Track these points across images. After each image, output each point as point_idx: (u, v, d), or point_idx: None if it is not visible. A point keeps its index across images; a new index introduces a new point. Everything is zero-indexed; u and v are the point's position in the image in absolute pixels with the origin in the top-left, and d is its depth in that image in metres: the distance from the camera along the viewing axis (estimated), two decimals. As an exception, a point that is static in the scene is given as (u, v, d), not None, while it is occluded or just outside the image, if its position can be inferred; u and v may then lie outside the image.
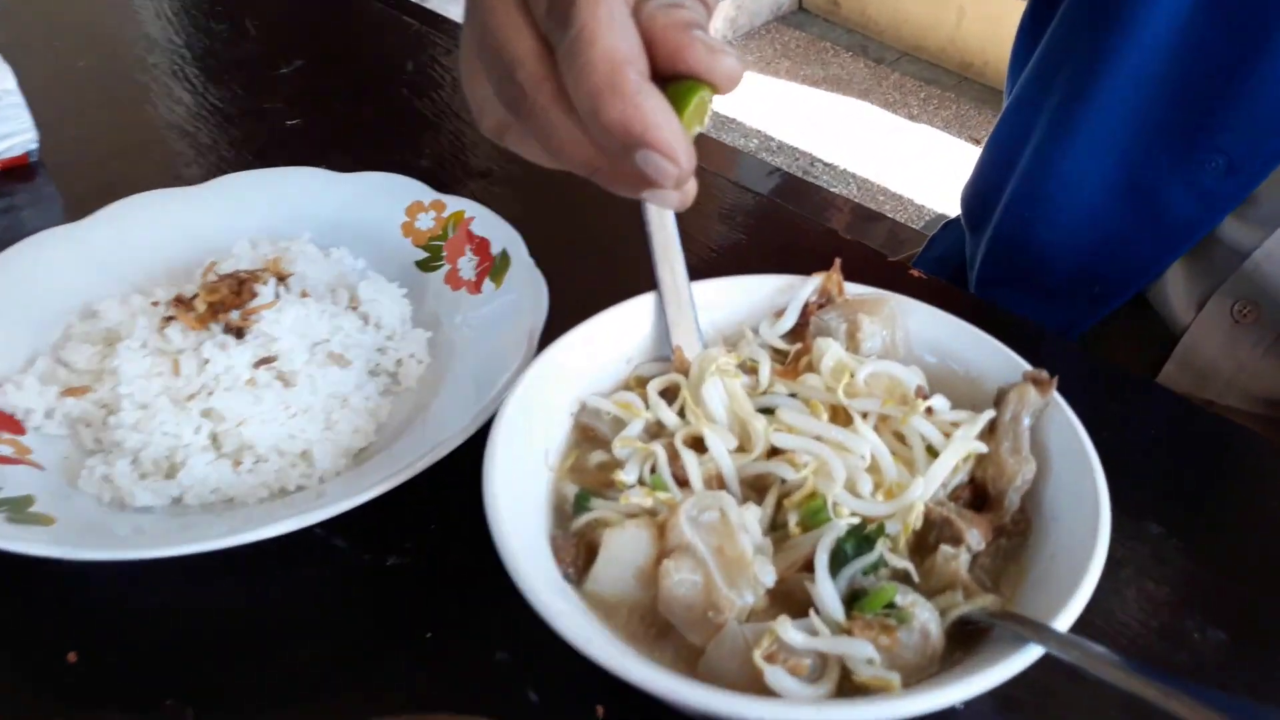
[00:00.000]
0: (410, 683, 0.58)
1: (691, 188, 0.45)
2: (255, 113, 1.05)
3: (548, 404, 0.59)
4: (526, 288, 0.72)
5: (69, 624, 0.60)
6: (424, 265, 0.78)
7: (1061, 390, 0.57)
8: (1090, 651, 0.43)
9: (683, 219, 0.64)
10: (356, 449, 0.67)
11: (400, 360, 0.72)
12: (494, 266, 0.74)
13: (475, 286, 0.74)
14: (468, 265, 0.76)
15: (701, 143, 0.44)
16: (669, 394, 0.61)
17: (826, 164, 3.54)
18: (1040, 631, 0.45)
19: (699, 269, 0.66)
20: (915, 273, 0.86)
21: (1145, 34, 0.85)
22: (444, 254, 0.77)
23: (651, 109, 0.40)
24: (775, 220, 0.96)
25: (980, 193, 1.10)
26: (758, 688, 0.46)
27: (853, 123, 3.78)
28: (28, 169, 0.94)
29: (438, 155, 0.98)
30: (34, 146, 0.94)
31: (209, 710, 0.56)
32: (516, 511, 0.52)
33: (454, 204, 0.79)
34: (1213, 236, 0.90)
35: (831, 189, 3.42)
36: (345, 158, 0.88)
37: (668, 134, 0.40)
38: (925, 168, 3.47)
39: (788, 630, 0.46)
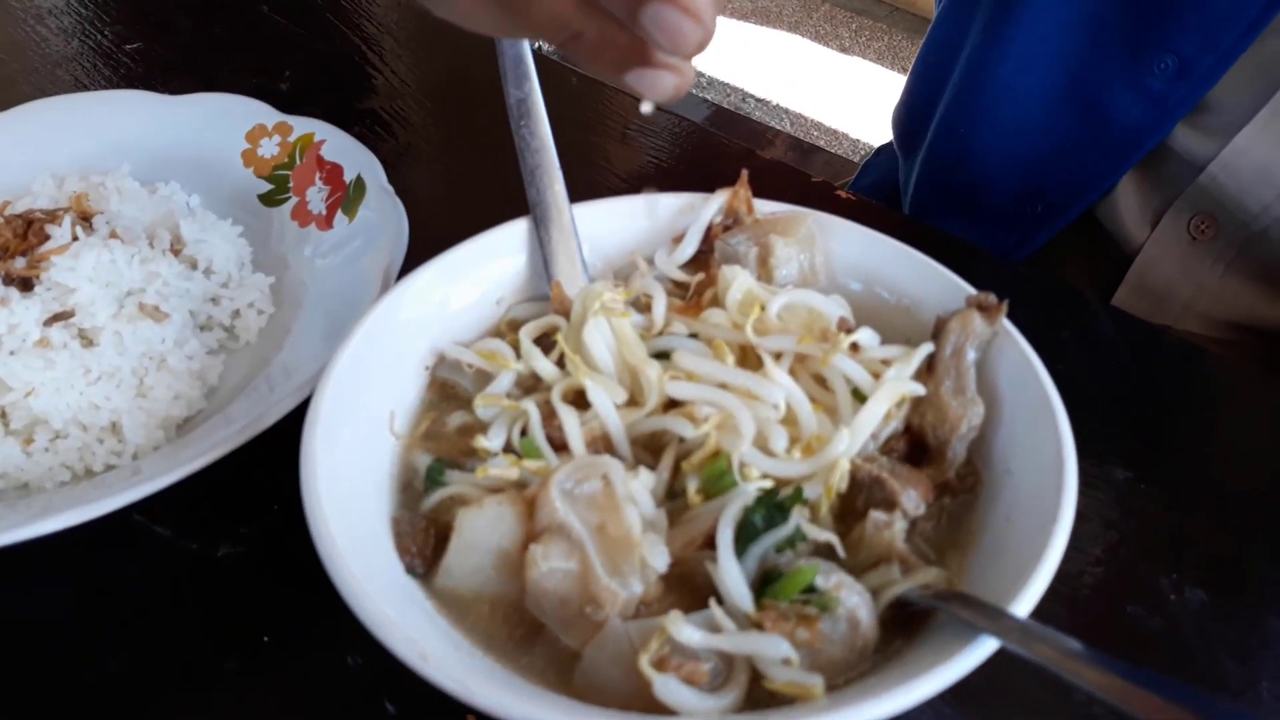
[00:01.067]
0: (245, 696, 0.47)
1: (690, 72, 0.38)
2: (90, 35, 0.92)
3: (395, 356, 0.49)
4: (384, 219, 0.61)
5: None
6: (268, 199, 0.67)
7: (1061, 336, 0.47)
8: (1060, 647, 0.34)
9: (582, 139, 0.54)
10: (179, 419, 0.56)
11: (237, 311, 0.61)
12: (347, 196, 0.63)
13: (326, 221, 0.63)
14: (317, 197, 0.64)
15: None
16: (547, 341, 0.50)
17: (759, 99, 3.45)
18: (995, 619, 0.36)
19: (599, 195, 0.56)
20: (843, 194, 0.76)
21: None
22: (290, 185, 0.66)
23: None
24: (688, 142, 0.85)
25: (912, 111, 1.04)
26: (646, 702, 0.36)
27: (784, 56, 3.69)
28: None
29: (298, 77, 0.86)
30: None
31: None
32: (346, 488, 0.42)
33: (302, 126, 0.68)
34: (1165, 147, 0.84)
35: (765, 124, 3.35)
36: (189, 82, 0.76)
37: None
38: (859, 100, 3.39)
39: (682, 628, 0.37)
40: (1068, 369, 0.50)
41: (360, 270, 0.59)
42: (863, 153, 3.17)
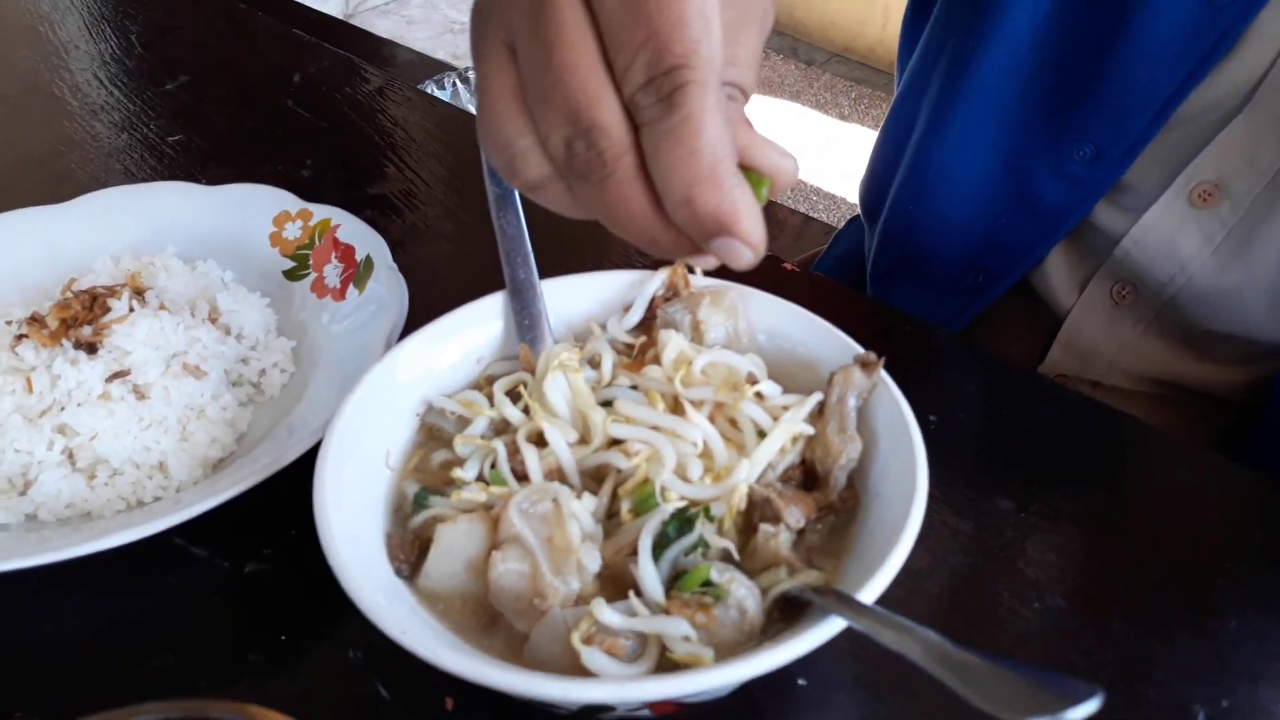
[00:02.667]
0: (266, 683, 0.58)
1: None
2: (137, 129, 1.05)
3: (391, 405, 0.60)
4: (389, 292, 0.73)
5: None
6: (291, 274, 0.78)
7: (941, 380, 0.58)
8: (894, 624, 0.44)
9: (554, 222, 0.66)
10: (215, 459, 0.67)
11: (264, 370, 0.72)
12: (358, 273, 0.75)
13: (340, 293, 0.75)
14: (333, 272, 0.76)
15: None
16: (516, 392, 0.62)
17: (759, 166, 3.56)
18: (846, 604, 0.47)
19: (567, 270, 0.68)
20: (788, 266, 0.87)
21: (1011, 26, 0.87)
22: (310, 262, 0.78)
23: (745, 203, 0.40)
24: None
25: (873, 185, 1.12)
26: (577, 670, 0.47)
27: (785, 124, 3.81)
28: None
29: (319, 165, 0.98)
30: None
31: (61, 721, 0.56)
32: (349, 510, 0.53)
33: (321, 212, 0.80)
34: (1088, 222, 0.93)
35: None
36: (224, 170, 0.89)
37: (753, 225, 0.41)
38: (857, 167, 3.50)
39: (604, 612, 0.47)
40: (990, 423, 0.60)
41: (368, 335, 0.70)
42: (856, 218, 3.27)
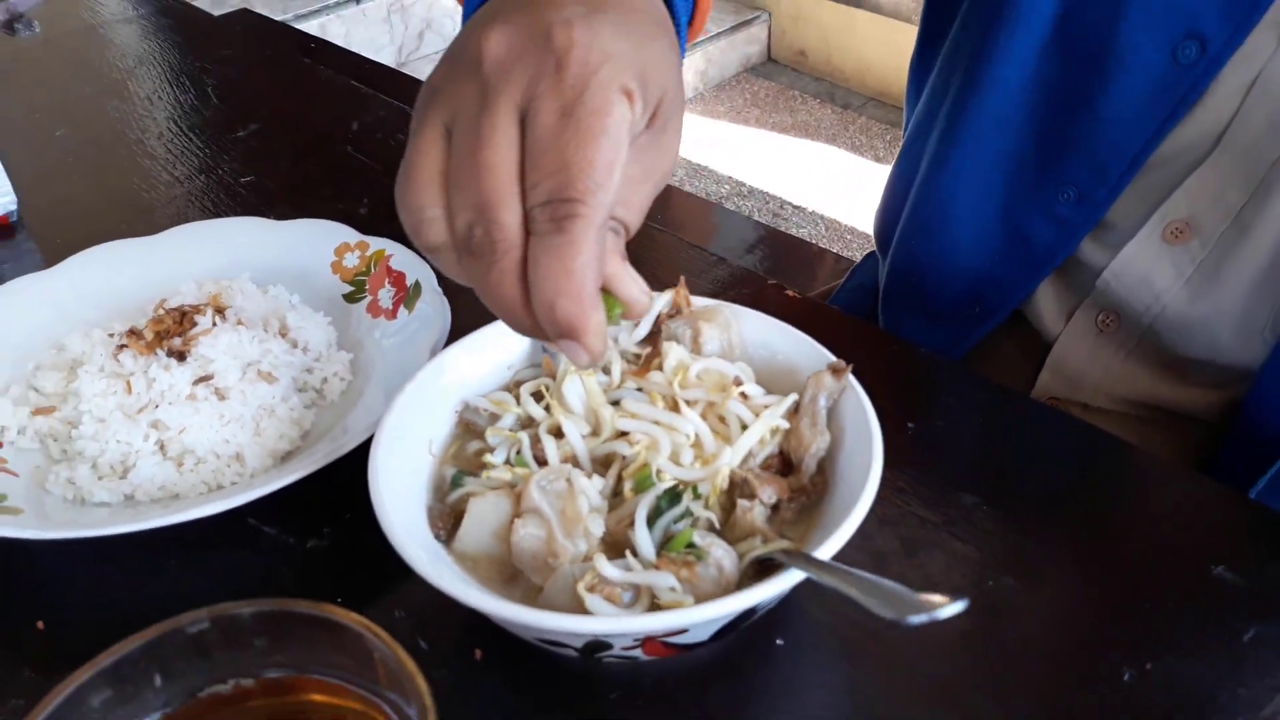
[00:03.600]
0: (324, 641, 0.69)
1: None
2: (214, 171, 1.18)
3: (434, 403, 0.71)
4: (434, 312, 0.84)
5: (37, 598, 0.71)
6: (349, 297, 0.90)
7: (926, 395, 0.67)
8: (835, 569, 0.54)
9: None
10: (283, 451, 0.78)
11: (325, 378, 0.83)
12: (408, 295, 0.86)
13: (391, 313, 0.86)
14: (386, 296, 0.88)
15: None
16: (540, 393, 0.72)
17: (796, 206, 3.67)
18: (807, 561, 0.56)
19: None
20: (791, 293, 0.97)
21: (1003, 73, 0.94)
22: (367, 287, 0.89)
23: (596, 320, 0.49)
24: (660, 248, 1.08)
25: (884, 220, 1.20)
26: (582, 613, 0.57)
27: (822, 166, 3.91)
28: (8, 229, 1.07)
29: (374, 204, 1.10)
30: (13, 209, 1.07)
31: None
32: (398, 488, 0.63)
33: (376, 244, 0.91)
34: (1074, 258, 1.00)
35: (800, 229, 3.54)
36: (291, 208, 1.01)
37: (596, 340, 0.50)
38: (890, 207, 3.57)
39: (604, 566, 0.58)
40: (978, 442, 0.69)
41: (415, 348, 0.81)
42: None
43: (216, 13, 2.09)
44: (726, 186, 3.77)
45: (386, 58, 3.83)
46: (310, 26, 3.54)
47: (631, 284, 0.55)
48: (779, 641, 0.66)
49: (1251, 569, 0.70)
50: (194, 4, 1.75)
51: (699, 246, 1.07)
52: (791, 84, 4.39)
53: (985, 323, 1.07)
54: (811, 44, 4.38)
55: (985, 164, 1.00)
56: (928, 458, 0.79)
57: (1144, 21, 0.85)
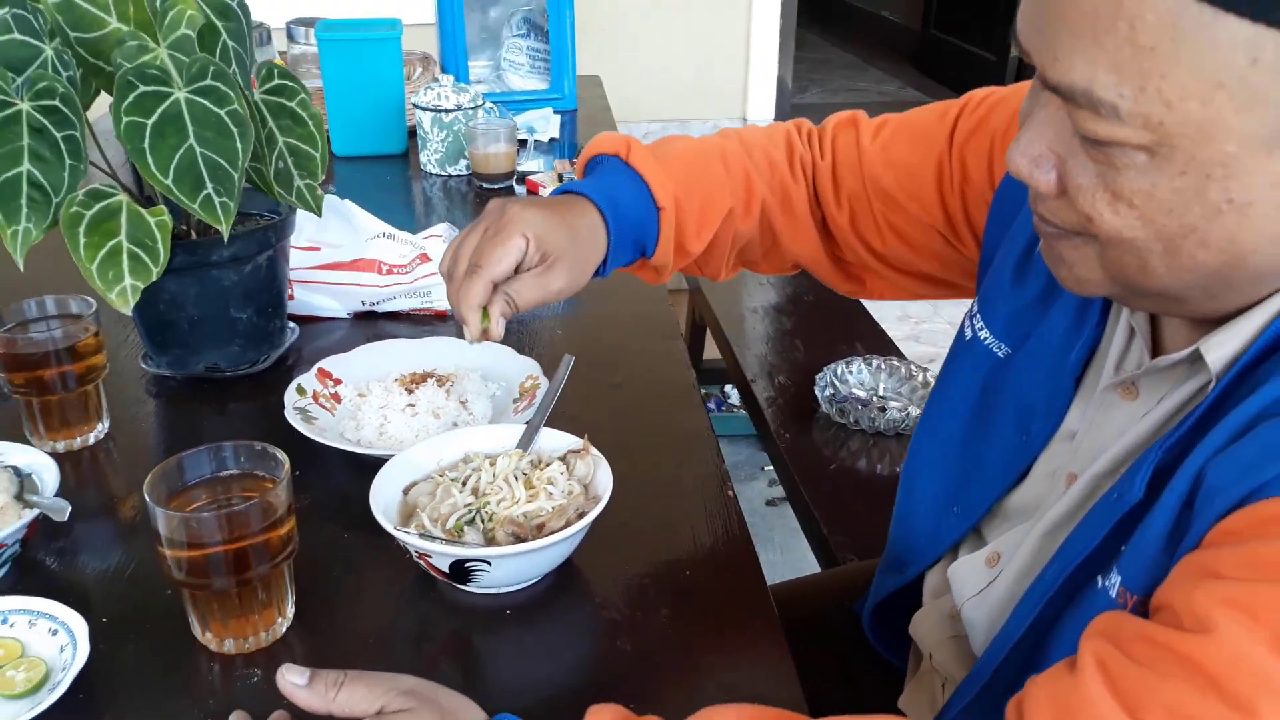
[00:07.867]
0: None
1: (489, 334, 1.09)
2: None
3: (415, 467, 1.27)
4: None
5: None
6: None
7: None
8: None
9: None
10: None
11: (471, 413, 1.75)
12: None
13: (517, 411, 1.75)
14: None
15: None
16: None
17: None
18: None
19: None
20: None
21: (947, 404, 1.16)
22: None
23: (474, 317, 1.05)
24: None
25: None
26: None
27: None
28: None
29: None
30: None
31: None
32: (384, 499, 1.18)
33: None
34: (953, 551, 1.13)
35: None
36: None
37: (475, 329, 1.05)
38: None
39: (426, 522, 1.43)
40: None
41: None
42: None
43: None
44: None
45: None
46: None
47: (496, 313, 1.07)
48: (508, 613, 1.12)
49: None
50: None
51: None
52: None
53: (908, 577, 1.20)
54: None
55: (930, 469, 1.18)
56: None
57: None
